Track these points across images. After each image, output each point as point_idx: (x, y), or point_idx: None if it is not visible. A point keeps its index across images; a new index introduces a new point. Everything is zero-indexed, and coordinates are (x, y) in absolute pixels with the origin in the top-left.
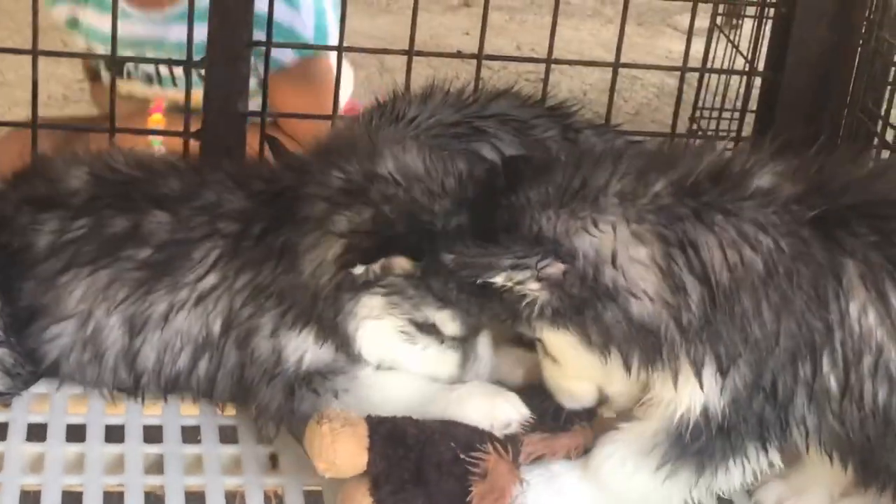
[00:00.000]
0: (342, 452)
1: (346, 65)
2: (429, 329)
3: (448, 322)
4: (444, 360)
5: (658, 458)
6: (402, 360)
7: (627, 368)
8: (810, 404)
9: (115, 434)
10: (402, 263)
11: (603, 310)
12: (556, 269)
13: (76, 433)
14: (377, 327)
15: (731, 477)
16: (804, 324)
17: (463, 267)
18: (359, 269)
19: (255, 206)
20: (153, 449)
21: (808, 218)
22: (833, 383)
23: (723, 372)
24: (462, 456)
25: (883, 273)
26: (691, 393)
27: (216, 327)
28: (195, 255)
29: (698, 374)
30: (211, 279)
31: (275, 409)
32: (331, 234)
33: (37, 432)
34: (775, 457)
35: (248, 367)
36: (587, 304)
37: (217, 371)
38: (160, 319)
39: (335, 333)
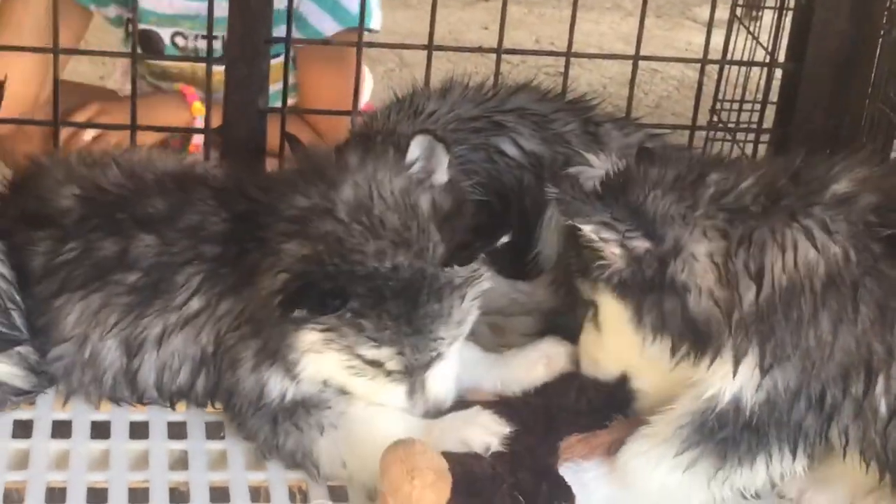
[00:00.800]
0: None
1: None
2: (374, 363)
3: (389, 359)
4: (389, 391)
5: (679, 442)
6: (349, 387)
7: (671, 357)
8: (856, 419)
9: (100, 431)
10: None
11: (664, 298)
12: (641, 243)
13: (62, 430)
14: (319, 360)
15: (754, 474)
16: (864, 343)
17: (561, 204)
18: (289, 310)
19: (234, 227)
20: (139, 445)
21: (884, 235)
22: (883, 406)
23: (763, 369)
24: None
25: None
26: (724, 378)
27: (209, 348)
28: (178, 279)
29: (736, 363)
30: (195, 304)
31: (262, 441)
32: (277, 263)
33: (23, 428)
34: (802, 461)
35: (236, 395)
36: (653, 287)
37: (215, 387)
38: (155, 342)
39: (282, 360)
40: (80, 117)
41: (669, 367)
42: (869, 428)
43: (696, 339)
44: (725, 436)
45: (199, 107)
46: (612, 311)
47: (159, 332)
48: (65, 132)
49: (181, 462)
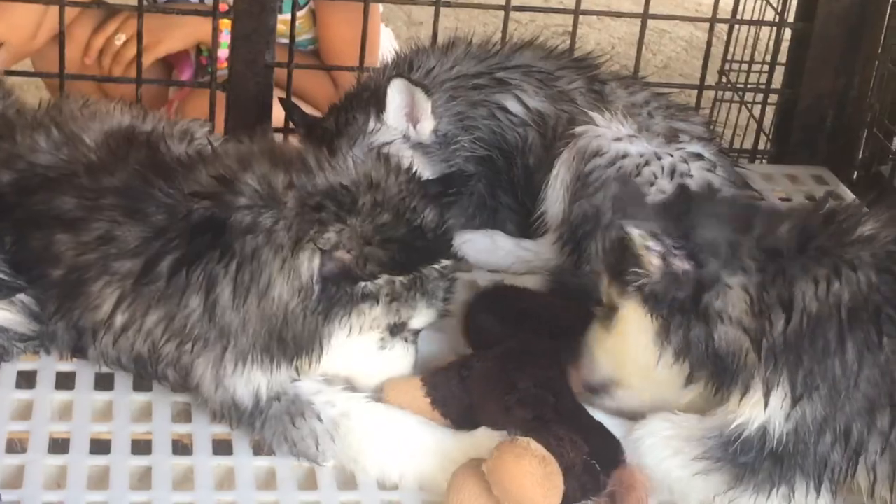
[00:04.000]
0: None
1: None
2: (397, 329)
3: (423, 316)
4: (406, 358)
5: (702, 449)
6: (363, 372)
7: (686, 383)
8: (883, 455)
9: (104, 383)
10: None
11: (693, 324)
12: (682, 264)
13: (66, 382)
14: (355, 340)
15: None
16: (888, 374)
17: (617, 202)
18: (380, 281)
19: (156, 239)
20: (142, 397)
21: None
22: None
23: (794, 399)
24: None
25: None
26: (753, 408)
27: (144, 355)
28: (93, 289)
29: (767, 395)
30: (119, 320)
31: (266, 441)
32: (306, 252)
33: (27, 380)
34: (826, 499)
35: (210, 408)
36: (683, 310)
37: (167, 378)
38: (91, 333)
39: (297, 354)
40: (112, 25)
41: (678, 390)
42: None
43: (716, 371)
44: (746, 461)
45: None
46: (634, 321)
47: (91, 325)
48: (98, 42)
49: (184, 414)
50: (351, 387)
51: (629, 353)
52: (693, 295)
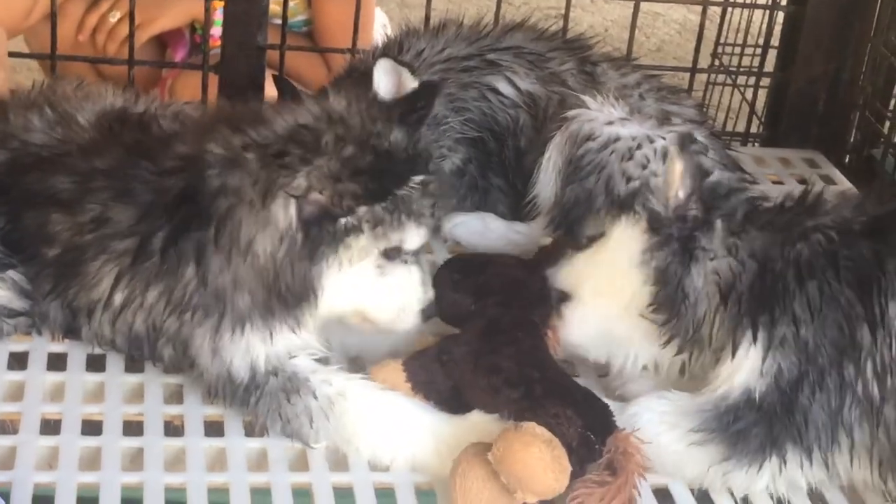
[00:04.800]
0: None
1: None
2: (393, 253)
3: (414, 236)
4: (411, 278)
5: (697, 421)
6: (371, 302)
7: (647, 305)
8: (855, 408)
9: (96, 364)
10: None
11: (677, 258)
12: (696, 208)
13: (57, 363)
14: (352, 273)
15: (758, 477)
16: (848, 318)
17: (681, 140)
18: (359, 212)
19: (146, 217)
20: (134, 378)
21: (859, 220)
22: (875, 390)
23: (765, 349)
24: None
25: None
26: (733, 371)
27: (142, 333)
28: (91, 269)
29: (734, 347)
30: (118, 298)
31: (259, 420)
32: (279, 201)
33: (19, 361)
34: (820, 470)
35: (206, 381)
36: (676, 241)
37: (162, 359)
38: (87, 313)
39: (296, 304)
40: (106, 3)
41: (628, 318)
42: (874, 424)
43: (675, 310)
44: (739, 429)
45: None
46: (617, 239)
47: (87, 305)
48: (92, 20)
49: (176, 396)
50: (347, 367)
51: (599, 268)
52: (690, 235)
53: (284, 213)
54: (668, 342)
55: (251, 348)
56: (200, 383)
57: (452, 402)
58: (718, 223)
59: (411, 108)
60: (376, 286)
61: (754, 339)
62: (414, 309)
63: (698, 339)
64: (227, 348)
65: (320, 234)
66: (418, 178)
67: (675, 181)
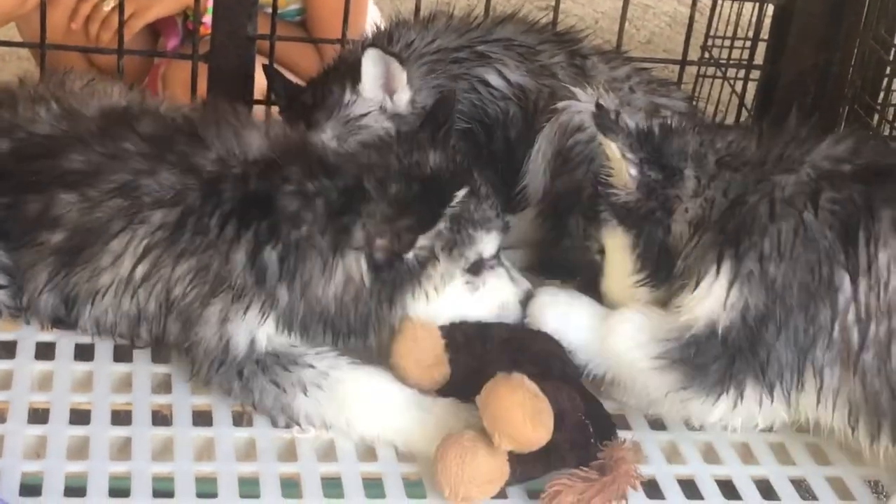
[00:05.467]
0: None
1: None
2: (477, 266)
3: (489, 242)
4: (501, 280)
5: (661, 349)
6: (474, 313)
7: (639, 282)
8: (829, 351)
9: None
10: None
11: (658, 228)
12: (655, 173)
13: (46, 352)
14: (443, 299)
15: (713, 408)
16: (826, 261)
17: (597, 118)
18: (423, 243)
19: (202, 189)
20: (123, 368)
21: (858, 164)
22: (855, 336)
23: (730, 281)
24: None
25: None
26: (698, 302)
27: (150, 309)
28: (113, 246)
29: (699, 281)
30: (141, 270)
31: (235, 394)
32: (349, 257)
33: (6, 350)
34: (781, 408)
35: (195, 353)
36: (652, 218)
37: (161, 339)
38: (87, 299)
39: (349, 336)
40: None
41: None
42: (847, 368)
43: (665, 267)
44: (701, 363)
45: None
46: (615, 242)
47: (89, 290)
48: (85, 9)
49: (164, 385)
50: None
51: (621, 272)
52: (663, 202)
53: (356, 265)
54: (644, 283)
55: (258, 329)
56: (189, 356)
57: (465, 383)
58: (688, 172)
59: (436, 126)
60: (472, 300)
61: (717, 271)
62: (514, 304)
63: (673, 275)
64: (236, 323)
65: (396, 275)
66: (462, 192)
67: (619, 163)
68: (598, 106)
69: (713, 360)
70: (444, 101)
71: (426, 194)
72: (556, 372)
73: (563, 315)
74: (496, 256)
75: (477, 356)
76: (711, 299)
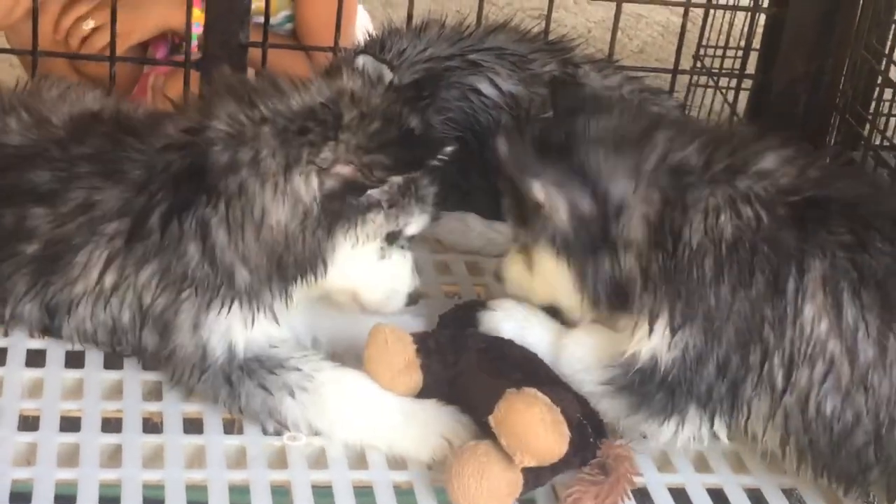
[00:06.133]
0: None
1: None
2: (394, 237)
3: (418, 221)
4: (406, 264)
5: (606, 376)
6: (367, 283)
7: (597, 308)
8: (757, 389)
9: (35, 359)
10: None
11: (604, 258)
12: (587, 205)
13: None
14: (358, 251)
15: (661, 430)
16: (758, 310)
17: (513, 162)
18: (385, 186)
19: (139, 196)
20: (73, 374)
21: (789, 201)
22: (780, 380)
23: (673, 329)
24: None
25: (844, 282)
26: (642, 339)
27: (125, 319)
28: (80, 259)
29: (651, 323)
30: (108, 280)
31: (222, 400)
32: (301, 175)
33: None
34: (721, 431)
35: (174, 363)
36: (595, 248)
37: (139, 352)
38: (65, 308)
39: (298, 275)
40: (82, 7)
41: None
42: (774, 406)
43: (620, 298)
44: (644, 391)
45: (198, 14)
46: (550, 264)
47: (66, 300)
48: (66, 22)
49: (155, 392)
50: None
51: (551, 286)
52: (602, 230)
53: (306, 186)
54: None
55: (231, 329)
56: (170, 365)
57: (438, 390)
58: (637, 202)
59: (418, 94)
60: (375, 267)
61: (671, 319)
62: (403, 293)
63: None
64: (207, 326)
65: (341, 207)
66: (450, 149)
67: (547, 207)
68: (507, 137)
69: (656, 390)
70: (432, 79)
71: (409, 140)
72: (543, 375)
73: (519, 330)
74: (409, 241)
75: (449, 364)
76: (657, 340)
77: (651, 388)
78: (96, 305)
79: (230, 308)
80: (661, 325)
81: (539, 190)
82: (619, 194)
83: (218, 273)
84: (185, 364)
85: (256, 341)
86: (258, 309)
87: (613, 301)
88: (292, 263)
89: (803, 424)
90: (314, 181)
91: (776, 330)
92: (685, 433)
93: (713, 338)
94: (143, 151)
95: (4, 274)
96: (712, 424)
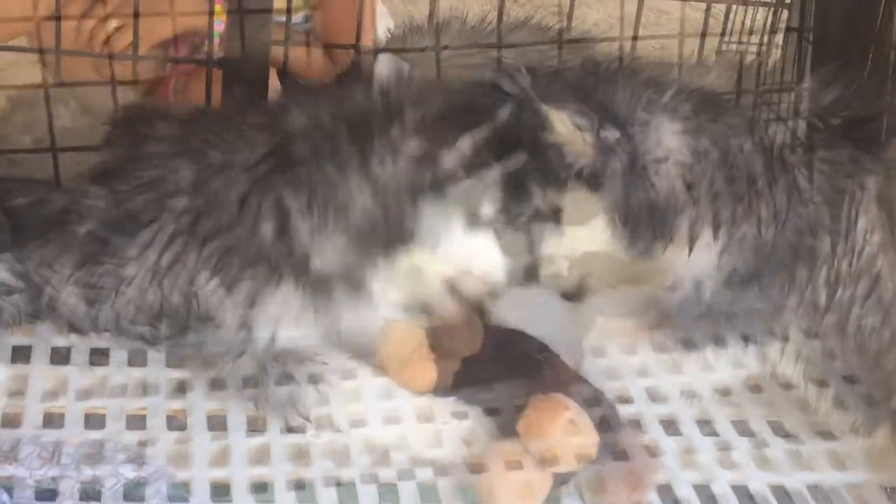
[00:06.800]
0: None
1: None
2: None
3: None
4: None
5: (646, 312)
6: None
7: (634, 246)
8: (798, 310)
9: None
10: None
11: (636, 185)
12: (612, 133)
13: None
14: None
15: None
16: (813, 225)
17: (532, 97)
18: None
19: (215, 175)
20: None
21: (842, 120)
22: (823, 297)
23: (724, 245)
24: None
25: None
26: (688, 262)
27: (174, 299)
28: (143, 237)
29: (692, 243)
30: (166, 259)
31: (246, 390)
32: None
33: None
34: (756, 361)
35: (209, 343)
36: (625, 175)
37: (176, 335)
38: (110, 291)
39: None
40: (101, 10)
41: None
42: (811, 330)
43: (656, 224)
44: (687, 324)
45: (219, 10)
46: (581, 207)
47: (113, 283)
48: (89, 23)
49: (181, 388)
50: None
51: (584, 237)
52: (631, 157)
53: (382, 168)
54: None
55: (282, 316)
56: (216, 345)
57: (455, 387)
58: (662, 120)
59: None
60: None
61: (715, 237)
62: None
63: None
64: (260, 309)
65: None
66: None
67: (570, 136)
68: (533, 80)
69: (695, 321)
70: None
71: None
72: (559, 361)
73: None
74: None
75: (464, 359)
76: (702, 263)
77: (691, 322)
78: (149, 286)
79: (292, 293)
80: (705, 243)
81: (565, 117)
82: (643, 119)
83: (290, 256)
84: (222, 346)
85: (293, 332)
86: (320, 298)
87: (652, 231)
88: (381, 233)
89: (841, 345)
90: (388, 163)
91: (827, 244)
92: (721, 363)
93: (764, 254)
94: (222, 137)
95: (50, 256)
96: (745, 353)
